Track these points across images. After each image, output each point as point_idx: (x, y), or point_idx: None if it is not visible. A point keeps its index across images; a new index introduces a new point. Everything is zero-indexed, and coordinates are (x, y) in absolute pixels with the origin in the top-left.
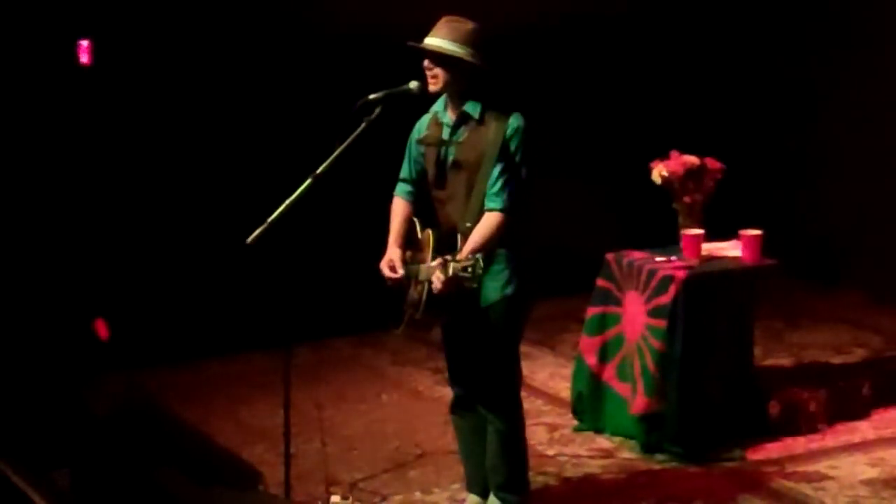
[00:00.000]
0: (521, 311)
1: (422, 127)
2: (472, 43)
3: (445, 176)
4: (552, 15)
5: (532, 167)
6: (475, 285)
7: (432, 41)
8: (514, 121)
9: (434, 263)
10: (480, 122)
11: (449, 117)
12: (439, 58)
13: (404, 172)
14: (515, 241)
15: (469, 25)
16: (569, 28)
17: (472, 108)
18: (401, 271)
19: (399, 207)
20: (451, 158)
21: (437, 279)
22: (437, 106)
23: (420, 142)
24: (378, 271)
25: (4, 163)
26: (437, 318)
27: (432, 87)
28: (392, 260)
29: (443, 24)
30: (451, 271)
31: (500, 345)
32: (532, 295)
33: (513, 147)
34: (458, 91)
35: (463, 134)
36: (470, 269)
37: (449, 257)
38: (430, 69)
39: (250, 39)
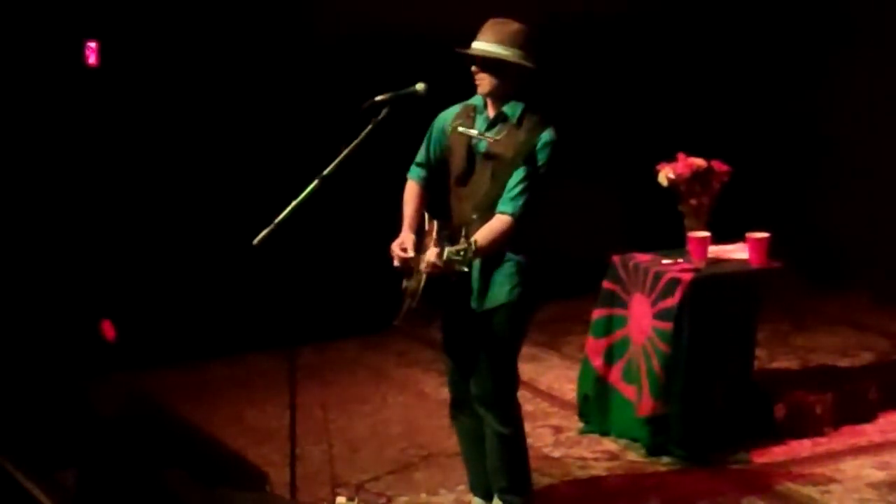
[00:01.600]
0: (525, 315)
1: (449, 116)
2: (520, 44)
3: (472, 168)
4: (558, 17)
5: (553, 182)
6: (465, 269)
7: (479, 45)
8: (547, 135)
9: (434, 250)
10: (518, 124)
11: (487, 113)
12: (485, 62)
13: (421, 157)
14: (528, 248)
15: (515, 26)
16: (575, 30)
17: (511, 111)
18: (412, 253)
19: (413, 192)
20: (482, 150)
21: (428, 263)
22: (475, 100)
23: (449, 129)
24: (389, 255)
25: (12, 164)
26: (434, 309)
27: (480, 91)
28: (404, 242)
29: (489, 27)
30: (445, 255)
31: (502, 348)
32: (537, 300)
33: (540, 159)
34: (507, 90)
35: (500, 131)
36: (462, 252)
37: (447, 244)
38: (477, 72)
39: (257, 41)
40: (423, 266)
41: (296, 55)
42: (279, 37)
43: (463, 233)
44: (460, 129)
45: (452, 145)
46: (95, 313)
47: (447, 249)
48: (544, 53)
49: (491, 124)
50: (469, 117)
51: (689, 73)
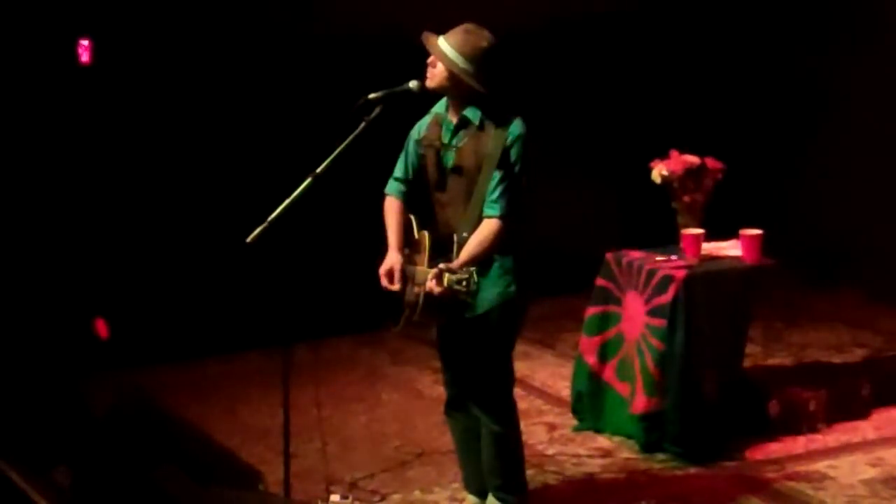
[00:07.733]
0: (518, 315)
1: (421, 127)
2: (478, 61)
3: (445, 180)
4: (553, 15)
5: (532, 174)
6: (469, 300)
7: (442, 44)
8: (515, 128)
9: (430, 270)
10: (480, 128)
11: (450, 120)
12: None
13: (399, 171)
14: (517, 247)
15: (481, 42)
16: (569, 28)
17: (473, 114)
18: (398, 285)
19: (393, 208)
20: (450, 163)
21: (432, 288)
22: (439, 107)
23: (419, 142)
24: (378, 273)
25: (4, 162)
26: (433, 320)
27: (429, 83)
28: (392, 269)
29: (457, 32)
30: (445, 282)
31: (496, 347)
32: (529, 299)
33: (513, 155)
34: (457, 95)
35: (463, 139)
36: (465, 283)
37: (443, 266)
38: (433, 65)
39: (250, 39)
40: (420, 287)
41: (289, 53)
42: (272, 34)
43: (455, 248)
44: (427, 143)
45: (425, 159)
46: (89, 311)
47: (447, 276)
48: (497, 75)
49: (455, 130)
50: (437, 126)
51: (683, 70)
